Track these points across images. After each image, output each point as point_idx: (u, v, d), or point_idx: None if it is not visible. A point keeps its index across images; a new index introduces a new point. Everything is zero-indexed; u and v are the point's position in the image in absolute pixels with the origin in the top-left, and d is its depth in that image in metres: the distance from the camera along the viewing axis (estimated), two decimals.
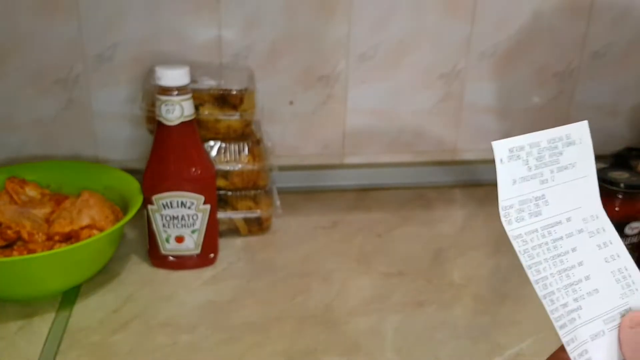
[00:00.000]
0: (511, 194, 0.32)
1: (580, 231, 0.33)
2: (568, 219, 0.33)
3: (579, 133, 0.33)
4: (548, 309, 0.31)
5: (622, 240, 0.34)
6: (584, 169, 0.33)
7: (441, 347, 0.59)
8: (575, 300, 0.32)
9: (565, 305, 0.31)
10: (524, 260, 0.32)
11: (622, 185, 0.67)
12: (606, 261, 0.33)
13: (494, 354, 0.59)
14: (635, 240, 0.68)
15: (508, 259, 0.74)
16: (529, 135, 0.32)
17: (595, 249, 0.33)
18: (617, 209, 0.66)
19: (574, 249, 0.32)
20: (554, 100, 0.92)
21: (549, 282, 0.32)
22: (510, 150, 0.31)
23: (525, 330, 0.62)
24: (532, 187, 0.32)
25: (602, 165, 0.77)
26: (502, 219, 0.32)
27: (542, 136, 0.32)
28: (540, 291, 0.32)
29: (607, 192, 0.67)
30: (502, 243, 0.78)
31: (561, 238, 0.32)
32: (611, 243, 0.33)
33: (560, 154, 0.33)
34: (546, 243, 0.32)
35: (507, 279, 0.70)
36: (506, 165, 0.31)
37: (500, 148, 0.31)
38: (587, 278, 0.32)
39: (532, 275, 0.32)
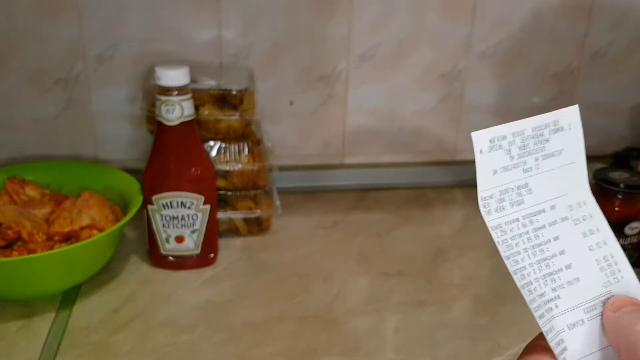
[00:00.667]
0: (491, 184, 0.30)
1: (565, 219, 0.32)
2: (552, 207, 0.32)
3: (569, 118, 0.32)
4: (526, 299, 0.31)
5: (622, 241, 0.33)
6: (571, 155, 0.32)
7: (441, 347, 0.59)
8: (554, 289, 0.31)
9: (542, 295, 0.31)
10: (502, 251, 0.31)
11: (622, 185, 0.67)
12: (590, 249, 0.32)
13: (494, 354, 0.59)
14: (635, 240, 0.68)
15: None
16: (512, 124, 0.31)
17: (579, 237, 0.32)
18: (616, 209, 0.66)
19: (556, 238, 0.32)
20: (554, 100, 0.92)
21: (527, 272, 0.31)
22: (491, 141, 0.30)
23: (525, 330, 0.61)
24: (514, 176, 0.31)
25: (602, 165, 0.77)
26: (481, 210, 0.31)
27: (526, 124, 0.31)
28: (518, 282, 0.31)
29: (607, 192, 0.67)
30: None
31: (543, 227, 0.31)
32: (598, 230, 0.32)
33: (547, 141, 0.31)
34: (527, 232, 0.31)
35: (507, 279, 0.70)
36: (486, 155, 0.30)
37: (480, 139, 0.30)
38: (568, 267, 0.31)
39: (510, 266, 0.31)
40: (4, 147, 0.83)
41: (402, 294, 0.67)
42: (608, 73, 0.91)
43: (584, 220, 0.32)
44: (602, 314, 0.31)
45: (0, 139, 0.82)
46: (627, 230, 0.67)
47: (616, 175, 0.68)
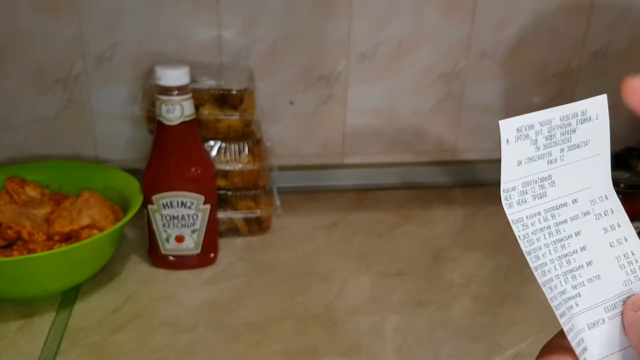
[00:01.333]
0: (514, 176, 0.30)
1: (587, 213, 0.31)
2: (574, 201, 0.31)
3: (596, 108, 0.31)
4: (547, 296, 0.30)
5: None
6: (597, 146, 0.31)
7: (441, 347, 0.59)
8: (574, 287, 0.30)
9: (563, 292, 0.30)
10: (524, 246, 0.30)
11: (622, 185, 0.67)
12: (611, 245, 0.31)
13: (494, 354, 0.59)
14: None
15: (508, 259, 0.74)
16: (540, 112, 0.30)
17: (601, 233, 0.31)
18: None
19: (577, 233, 0.31)
20: (554, 100, 0.91)
21: (547, 268, 0.30)
22: (519, 130, 0.29)
23: (525, 330, 0.62)
24: (538, 167, 0.30)
25: None
26: (503, 202, 0.30)
27: (554, 113, 0.30)
28: (539, 278, 0.30)
29: None
30: (502, 243, 0.78)
31: (565, 221, 0.30)
32: (619, 226, 0.31)
33: (574, 131, 0.30)
34: (548, 227, 0.30)
35: (507, 279, 0.70)
36: (512, 145, 0.29)
37: (508, 127, 0.29)
38: (589, 264, 0.30)
39: (531, 262, 0.30)
40: (4, 147, 0.83)
41: (402, 294, 0.67)
42: (608, 73, 0.91)
43: (605, 215, 0.31)
44: (622, 313, 0.30)
45: (0, 139, 0.82)
46: None
47: (616, 175, 0.68)
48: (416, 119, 0.90)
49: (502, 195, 0.30)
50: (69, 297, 0.65)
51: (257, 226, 0.78)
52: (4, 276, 0.60)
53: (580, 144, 0.31)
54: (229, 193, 0.76)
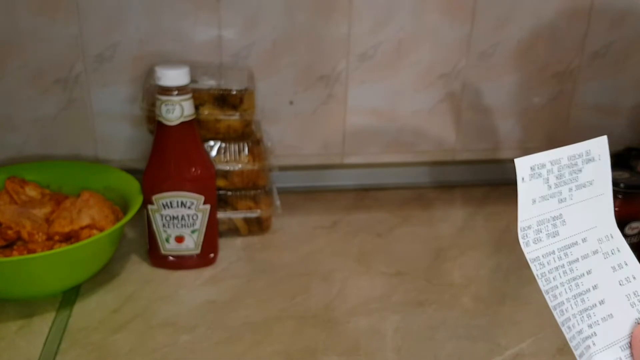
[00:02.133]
0: (530, 214, 0.31)
1: (595, 252, 0.32)
2: (584, 240, 0.32)
3: (599, 149, 0.33)
4: (567, 336, 0.31)
5: None
6: (600, 186, 0.33)
7: (441, 347, 0.59)
8: (590, 326, 0.31)
9: (580, 332, 0.31)
10: (542, 285, 0.31)
11: (622, 185, 0.67)
12: (620, 284, 0.32)
13: (494, 354, 0.59)
14: (635, 240, 0.68)
15: (508, 259, 0.74)
16: (550, 152, 0.31)
17: (609, 271, 0.32)
18: (617, 208, 0.66)
19: (589, 272, 0.32)
20: (554, 100, 0.92)
21: (565, 307, 0.31)
22: (532, 168, 0.31)
23: (525, 330, 0.62)
24: (550, 206, 0.31)
25: None
26: (520, 241, 0.31)
27: (563, 152, 0.32)
28: (558, 317, 0.31)
29: None
30: (502, 243, 0.78)
31: (577, 260, 0.32)
32: (626, 264, 0.33)
33: (580, 171, 0.32)
34: (562, 266, 0.32)
35: (507, 279, 0.70)
36: (527, 184, 0.31)
37: (523, 165, 0.31)
38: (601, 302, 0.32)
39: (550, 301, 0.31)
40: (4, 147, 0.83)
41: (402, 294, 0.67)
42: (608, 73, 0.91)
43: (612, 254, 0.33)
44: (631, 345, 0.31)
45: (0, 139, 0.82)
46: (627, 230, 0.67)
47: (616, 175, 0.68)
48: (416, 119, 0.90)
49: (520, 234, 0.31)
50: (69, 297, 0.65)
51: (257, 226, 0.78)
52: (4, 276, 0.60)
53: (586, 183, 0.32)
54: (229, 193, 0.76)
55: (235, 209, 0.76)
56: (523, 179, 0.31)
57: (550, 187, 0.31)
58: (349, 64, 0.85)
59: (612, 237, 0.33)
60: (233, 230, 0.77)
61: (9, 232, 0.64)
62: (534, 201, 0.31)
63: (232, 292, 0.67)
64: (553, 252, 0.31)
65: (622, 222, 0.66)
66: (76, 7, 0.77)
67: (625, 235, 0.67)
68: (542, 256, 0.31)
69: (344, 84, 0.86)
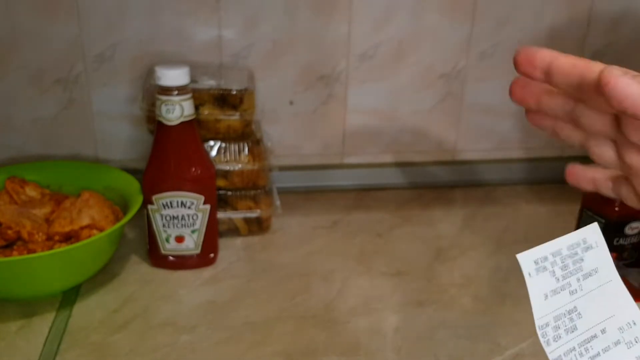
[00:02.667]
0: (545, 311, 0.31)
1: (617, 343, 0.31)
2: (603, 331, 0.31)
3: (593, 236, 0.32)
4: None
5: (622, 241, 0.33)
6: (606, 273, 0.32)
7: (441, 347, 0.59)
8: None
9: None
10: None
11: None
12: None
13: (494, 354, 0.59)
14: (635, 240, 0.68)
15: (508, 259, 0.74)
16: (548, 244, 0.31)
17: None
18: (616, 209, 0.66)
19: None
20: None
21: None
22: (536, 262, 0.31)
23: (525, 330, 0.62)
24: (563, 299, 0.31)
25: None
26: (541, 340, 0.31)
27: (560, 243, 0.31)
28: None
29: None
30: (502, 243, 0.78)
31: (598, 355, 0.31)
32: None
33: (582, 260, 0.32)
34: None
35: (507, 279, 0.70)
36: (535, 279, 0.30)
37: (526, 261, 0.30)
38: None
39: None
40: (4, 147, 0.83)
41: (402, 294, 0.67)
42: None
43: (636, 342, 0.32)
44: None
45: (0, 139, 0.82)
46: (627, 230, 0.67)
47: None
48: (416, 119, 0.90)
49: (539, 332, 0.31)
50: (69, 297, 0.65)
51: (257, 226, 0.78)
52: (4, 276, 0.60)
53: (592, 272, 0.32)
54: (229, 193, 0.76)
55: (235, 209, 0.76)
56: (530, 274, 0.30)
57: (558, 279, 0.31)
58: (349, 64, 0.85)
59: (634, 324, 0.32)
60: (233, 230, 0.77)
61: (9, 232, 0.64)
62: (545, 296, 0.31)
63: (232, 292, 0.67)
64: (574, 349, 0.31)
65: (622, 222, 0.66)
66: (76, 7, 0.77)
67: (625, 235, 0.67)
68: (564, 354, 0.31)
69: (344, 84, 0.86)
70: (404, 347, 0.59)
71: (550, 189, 0.91)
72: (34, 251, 0.62)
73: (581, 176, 0.36)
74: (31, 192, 0.72)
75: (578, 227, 0.73)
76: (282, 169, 0.85)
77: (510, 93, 0.35)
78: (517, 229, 0.81)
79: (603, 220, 0.66)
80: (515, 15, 0.85)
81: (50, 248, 0.63)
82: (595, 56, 0.89)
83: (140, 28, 0.79)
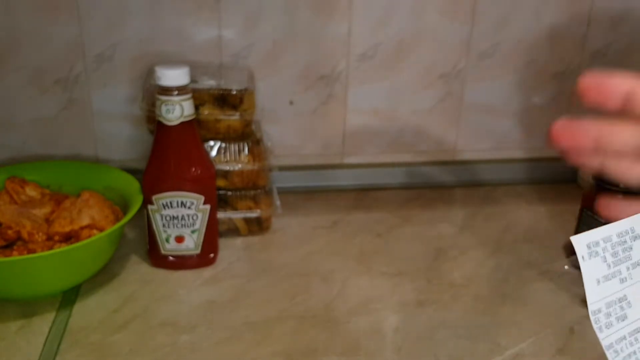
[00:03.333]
0: (597, 296, 0.31)
1: None
2: None
3: None
4: None
5: None
6: None
7: (441, 347, 0.59)
8: None
9: None
10: None
11: (622, 185, 0.66)
12: None
13: (494, 354, 0.59)
14: None
15: (508, 259, 0.74)
16: (600, 229, 0.31)
17: None
18: None
19: None
20: (554, 100, 0.92)
21: None
22: (589, 246, 0.31)
23: (525, 330, 0.62)
24: (614, 287, 0.31)
25: None
26: (594, 325, 0.30)
27: (611, 229, 0.31)
28: None
29: (607, 192, 0.67)
30: (502, 243, 0.78)
31: None
32: None
33: (630, 248, 0.32)
34: (635, 352, 0.31)
35: (507, 279, 0.70)
36: (588, 262, 0.30)
37: (580, 243, 0.30)
38: None
39: None
40: (4, 147, 0.83)
41: (402, 294, 0.67)
42: None
43: None
44: None
45: (0, 139, 0.82)
46: None
47: None
48: (416, 119, 0.90)
49: (592, 318, 0.30)
50: (69, 297, 0.65)
51: (257, 226, 0.78)
52: (4, 276, 0.60)
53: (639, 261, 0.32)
54: (229, 193, 0.76)
55: (235, 209, 0.76)
56: (583, 257, 0.30)
57: (610, 265, 0.31)
58: (349, 64, 0.85)
59: None
60: (233, 230, 0.77)
61: (9, 232, 0.64)
62: (598, 282, 0.31)
63: (232, 292, 0.67)
64: (624, 338, 0.31)
65: None
66: (76, 7, 0.77)
67: None
68: (615, 342, 0.31)
69: (344, 84, 0.86)
70: (404, 347, 0.59)
71: (550, 189, 0.91)
72: (34, 251, 0.62)
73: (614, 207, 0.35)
74: (31, 192, 0.72)
75: (578, 227, 0.73)
76: (282, 169, 0.85)
77: (555, 141, 0.32)
78: (517, 229, 0.81)
79: (603, 220, 0.66)
80: (515, 15, 0.85)
81: (50, 248, 0.63)
82: (595, 56, 0.89)
83: (140, 28, 0.79)
